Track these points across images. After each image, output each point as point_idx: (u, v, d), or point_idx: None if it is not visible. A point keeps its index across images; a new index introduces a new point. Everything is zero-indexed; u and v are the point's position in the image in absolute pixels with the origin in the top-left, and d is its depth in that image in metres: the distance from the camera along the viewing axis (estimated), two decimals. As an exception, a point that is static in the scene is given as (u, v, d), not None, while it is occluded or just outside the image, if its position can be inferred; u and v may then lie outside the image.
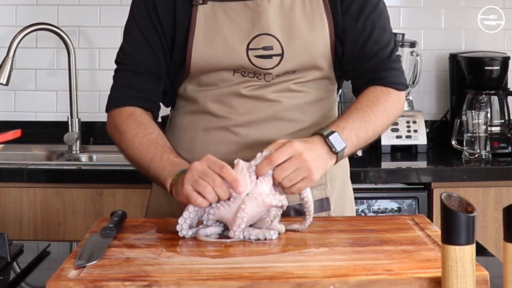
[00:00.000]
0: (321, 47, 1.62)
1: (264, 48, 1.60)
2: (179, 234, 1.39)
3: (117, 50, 1.70)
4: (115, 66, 1.69)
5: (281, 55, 1.60)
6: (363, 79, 1.66)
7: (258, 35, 1.60)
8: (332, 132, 1.50)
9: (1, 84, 2.73)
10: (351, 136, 1.53)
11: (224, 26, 1.60)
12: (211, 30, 1.60)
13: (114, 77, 1.68)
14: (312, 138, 1.49)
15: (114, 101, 1.66)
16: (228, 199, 1.38)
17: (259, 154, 1.42)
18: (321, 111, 1.69)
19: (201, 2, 1.62)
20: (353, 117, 1.56)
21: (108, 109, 1.67)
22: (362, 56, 1.64)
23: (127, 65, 1.65)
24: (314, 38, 1.61)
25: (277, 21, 1.61)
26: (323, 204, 1.69)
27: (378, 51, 1.64)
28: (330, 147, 1.48)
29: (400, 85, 1.66)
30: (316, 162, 1.43)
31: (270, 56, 1.60)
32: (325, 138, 1.48)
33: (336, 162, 1.51)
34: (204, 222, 1.40)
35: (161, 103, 1.75)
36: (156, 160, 1.53)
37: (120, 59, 1.67)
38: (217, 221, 1.40)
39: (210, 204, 1.38)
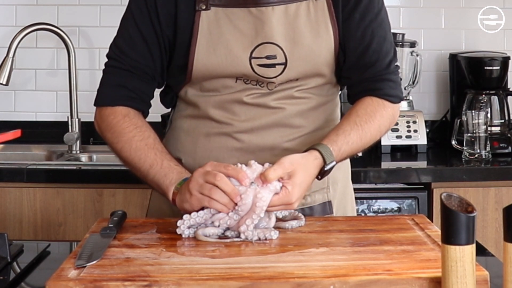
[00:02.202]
0: (325, 55, 1.61)
1: (267, 57, 1.58)
2: (179, 231, 1.39)
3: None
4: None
5: (285, 64, 1.59)
6: (358, 88, 1.65)
7: (262, 43, 1.58)
8: (332, 162, 1.50)
9: (1, 84, 2.73)
10: (342, 157, 1.56)
11: (227, 33, 1.58)
12: (214, 37, 1.58)
13: (105, 71, 1.65)
14: (314, 163, 1.48)
15: (106, 99, 1.64)
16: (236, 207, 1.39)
17: (254, 165, 1.42)
18: (323, 115, 1.69)
19: (204, 7, 1.59)
20: (353, 136, 1.56)
21: (99, 104, 1.65)
22: (360, 65, 1.63)
23: (122, 64, 1.62)
24: (318, 46, 1.60)
25: (281, 29, 1.59)
26: (325, 208, 1.69)
27: (376, 61, 1.63)
28: (318, 174, 1.50)
29: (395, 97, 1.65)
30: (300, 199, 1.45)
31: (273, 65, 1.58)
32: (324, 166, 1.49)
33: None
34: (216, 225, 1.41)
35: (161, 104, 1.75)
36: (156, 167, 1.53)
37: (114, 55, 1.64)
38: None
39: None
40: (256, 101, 1.62)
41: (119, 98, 1.62)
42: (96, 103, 1.66)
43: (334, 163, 1.51)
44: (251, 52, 1.58)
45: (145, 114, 1.66)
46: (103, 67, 1.66)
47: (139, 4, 1.62)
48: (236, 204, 1.38)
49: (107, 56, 1.66)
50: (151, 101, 1.68)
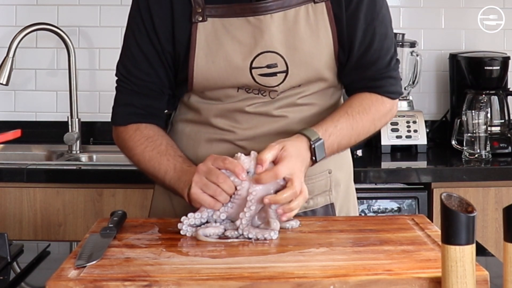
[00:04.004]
0: (326, 59, 1.59)
1: (268, 66, 1.56)
2: (181, 226, 1.41)
3: (117, 51, 1.68)
4: (115, 66, 1.68)
5: (286, 71, 1.57)
6: (359, 85, 1.65)
7: (261, 52, 1.56)
8: (319, 139, 1.51)
9: (1, 84, 2.73)
10: (333, 144, 1.55)
11: (225, 44, 1.56)
12: (212, 48, 1.57)
13: (116, 89, 1.68)
14: (300, 142, 1.49)
15: (118, 119, 1.66)
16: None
17: (253, 154, 1.44)
18: None
19: (200, 19, 1.57)
20: (342, 123, 1.56)
21: (113, 124, 1.68)
22: (361, 64, 1.62)
23: (128, 84, 1.64)
24: (319, 51, 1.58)
25: (281, 36, 1.56)
26: (328, 210, 1.68)
27: (377, 60, 1.62)
28: (312, 155, 1.50)
29: (395, 94, 1.65)
30: (299, 177, 1.45)
31: (274, 74, 1.57)
32: (311, 145, 1.50)
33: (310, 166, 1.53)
34: (212, 222, 1.42)
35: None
36: (170, 172, 1.55)
37: (121, 76, 1.65)
38: (223, 220, 1.43)
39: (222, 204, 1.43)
40: (258, 110, 1.61)
41: (128, 118, 1.64)
42: (111, 122, 1.69)
43: (321, 141, 1.51)
44: (251, 62, 1.56)
45: (160, 125, 1.66)
46: (115, 84, 1.68)
47: (137, 23, 1.62)
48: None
49: (116, 75, 1.67)
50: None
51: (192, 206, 1.48)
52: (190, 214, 1.42)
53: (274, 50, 1.56)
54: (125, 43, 1.66)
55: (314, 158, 1.50)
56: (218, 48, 1.57)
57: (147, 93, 1.63)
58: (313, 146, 1.50)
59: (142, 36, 1.61)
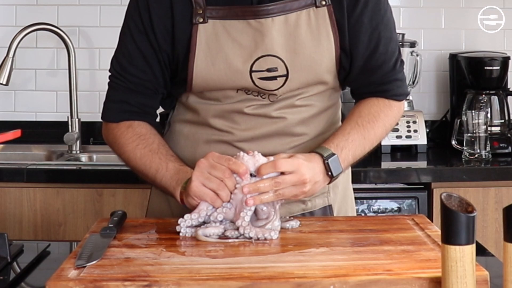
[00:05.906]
0: (327, 63, 1.58)
1: (269, 70, 1.55)
2: (179, 228, 1.40)
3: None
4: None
5: (286, 75, 1.56)
6: (365, 90, 1.65)
7: (262, 56, 1.55)
8: (332, 155, 1.51)
9: (1, 84, 2.74)
10: (348, 156, 1.55)
11: (226, 47, 1.56)
12: (212, 50, 1.56)
13: (109, 85, 1.66)
14: (313, 156, 1.49)
15: (111, 116, 1.65)
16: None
17: (256, 154, 1.44)
18: (325, 120, 1.67)
19: (201, 20, 1.56)
20: (353, 134, 1.57)
21: (104, 120, 1.66)
22: (367, 69, 1.62)
23: (123, 81, 1.62)
24: (320, 55, 1.57)
25: (282, 40, 1.56)
26: (326, 212, 1.68)
27: (382, 63, 1.62)
28: (327, 170, 1.50)
29: (402, 96, 1.66)
30: (312, 186, 1.46)
31: (274, 78, 1.56)
32: (325, 160, 1.50)
33: (329, 183, 1.54)
34: (212, 222, 1.42)
35: (160, 106, 1.75)
36: (162, 170, 1.54)
37: (115, 73, 1.64)
38: (221, 221, 1.42)
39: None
40: (257, 111, 1.61)
41: (122, 115, 1.63)
42: (102, 118, 1.67)
43: (334, 156, 1.51)
44: (251, 66, 1.55)
45: (152, 124, 1.66)
46: (108, 80, 1.66)
47: (135, 21, 1.61)
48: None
49: (110, 71, 1.66)
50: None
51: (186, 206, 1.48)
52: (186, 216, 1.41)
53: (274, 54, 1.56)
54: (121, 40, 1.65)
55: (330, 173, 1.50)
56: (218, 50, 1.56)
57: (142, 91, 1.63)
58: (326, 161, 1.50)
59: (139, 33, 1.60)
